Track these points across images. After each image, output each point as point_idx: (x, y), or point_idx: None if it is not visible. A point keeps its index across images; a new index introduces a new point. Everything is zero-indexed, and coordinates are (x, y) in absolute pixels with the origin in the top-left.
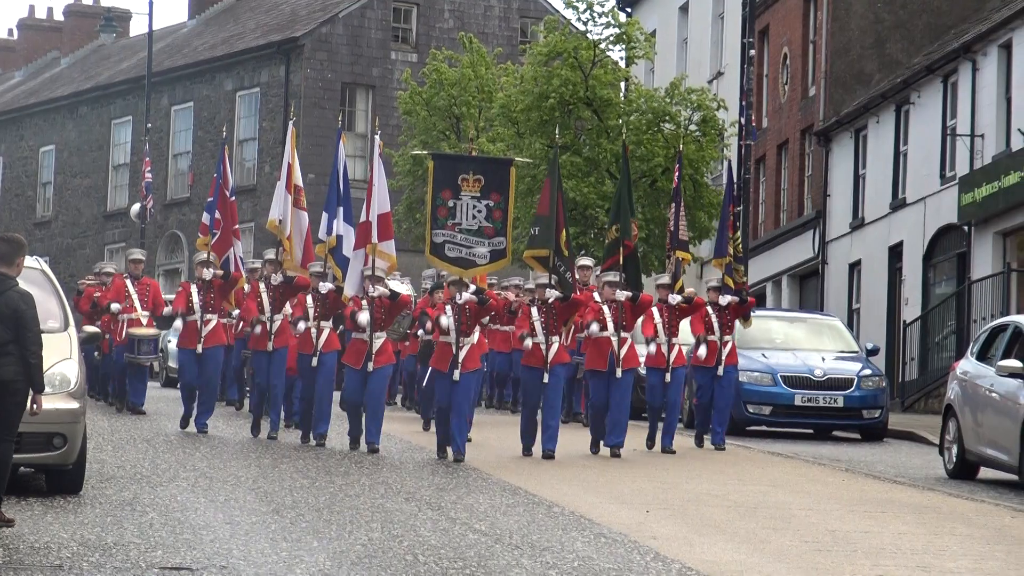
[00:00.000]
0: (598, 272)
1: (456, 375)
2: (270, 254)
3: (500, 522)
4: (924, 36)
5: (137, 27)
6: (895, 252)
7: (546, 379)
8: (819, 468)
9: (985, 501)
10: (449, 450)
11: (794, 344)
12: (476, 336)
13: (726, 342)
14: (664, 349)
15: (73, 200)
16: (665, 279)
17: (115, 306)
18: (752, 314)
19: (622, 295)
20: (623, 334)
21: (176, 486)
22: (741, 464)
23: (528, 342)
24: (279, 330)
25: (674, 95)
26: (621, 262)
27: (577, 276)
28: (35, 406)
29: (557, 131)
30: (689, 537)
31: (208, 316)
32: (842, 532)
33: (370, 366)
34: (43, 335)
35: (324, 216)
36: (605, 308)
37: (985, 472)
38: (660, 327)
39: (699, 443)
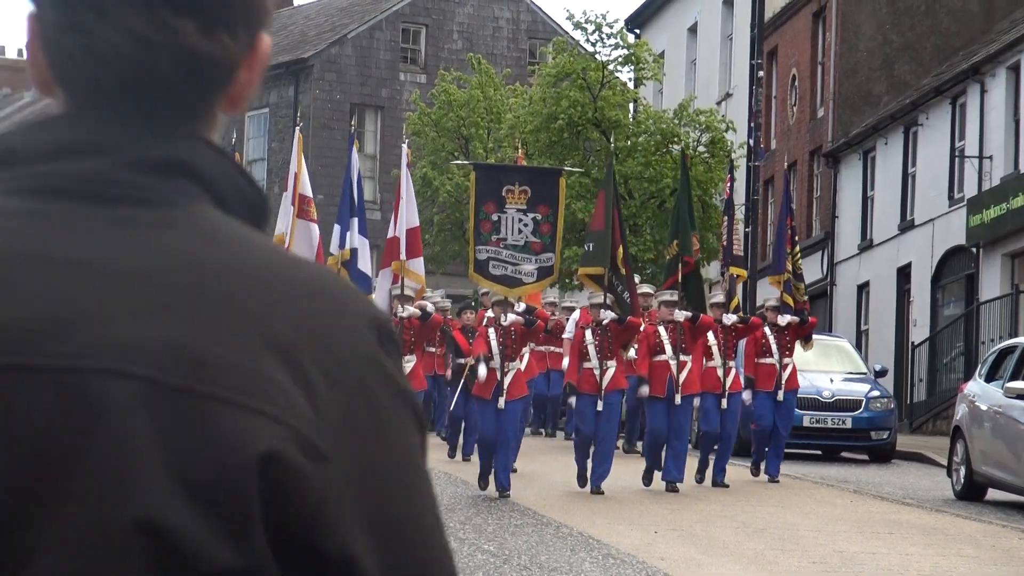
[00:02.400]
0: (652, 291)
1: (501, 403)
2: None
3: (509, 542)
4: (932, 58)
5: None
6: (903, 273)
7: (600, 407)
8: (827, 489)
9: (993, 522)
10: (491, 482)
11: (802, 365)
12: (524, 361)
13: (786, 365)
14: (720, 373)
15: None
16: (719, 298)
17: None
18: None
19: (681, 315)
20: (682, 357)
21: None
22: (749, 485)
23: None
24: None
25: (683, 116)
26: (680, 280)
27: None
28: None
29: (612, 142)
30: (697, 558)
31: None
32: (850, 553)
33: None
34: None
35: (336, 228)
36: (662, 329)
37: (993, 493)
38: (715, 349)
39: (755, 472)
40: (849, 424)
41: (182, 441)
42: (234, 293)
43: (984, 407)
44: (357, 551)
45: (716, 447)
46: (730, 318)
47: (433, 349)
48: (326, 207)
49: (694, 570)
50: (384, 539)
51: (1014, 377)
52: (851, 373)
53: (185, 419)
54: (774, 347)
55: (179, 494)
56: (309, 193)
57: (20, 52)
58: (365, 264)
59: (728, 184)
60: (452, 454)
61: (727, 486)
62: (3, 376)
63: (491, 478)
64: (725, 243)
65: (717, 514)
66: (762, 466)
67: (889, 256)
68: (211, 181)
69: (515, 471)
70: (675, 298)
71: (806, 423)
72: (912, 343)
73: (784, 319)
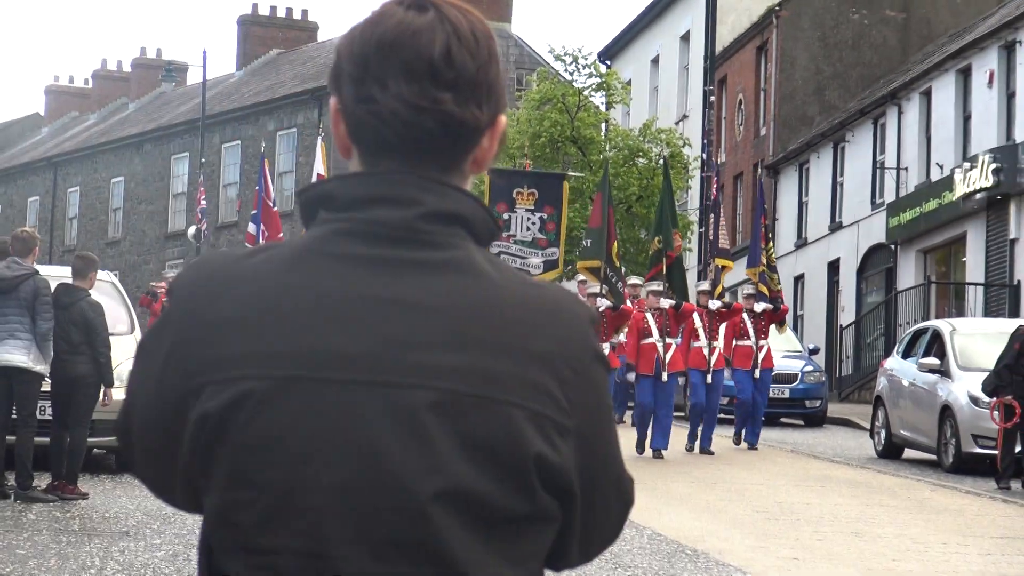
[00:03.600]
0: (640, 282)
1: None
2: None
3: None
4: (857, 84)
5: (193, 77)
6: (833, 267)
7: None
8: (769, 449)
9: (908, 477)
10: None
11: None
12: None
13: (761, 346)
14: (705, 352)
15: (139, 223)
16: (705, 286)
17: None
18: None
19: (666, 303)
20: (667, 340)
21: None
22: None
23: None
24: None
25: (646, 134)
26: (664, 271)
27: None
28: (106, 398)
29: (608, 149)
30: (658, 507)
31: None
32: (788, 503)
33: None
34: (112, 337)
35: None
36: (648, 315)
37: (908, 453)
38: (701, 331)
39: (737, 441)
40: (787, 394)
41: (476, 433)
42: (506, 320)
43: (901, 380)
44: (575, 481)
45: (703, 417)
46: (715, 304)
47: None
48: None
49: (655, 517)
50: (589, 463)
51: (926, 354)
52: (789, 351)
53: (477, 417)
54: (751, 330)
55: (477, 468)
56: None
57: (86, 81)
58: None
59: (714, 188)
60: None
61: (712, 453)
62: (351, 388)
63: None
64: (712, 237)
65: (675, 471)
66: (742, 435)
67: (821, 252)
68: (473, 224)
69: None
70: (661, 288)
71: None
72: (840, 326)
73: (759, 306)
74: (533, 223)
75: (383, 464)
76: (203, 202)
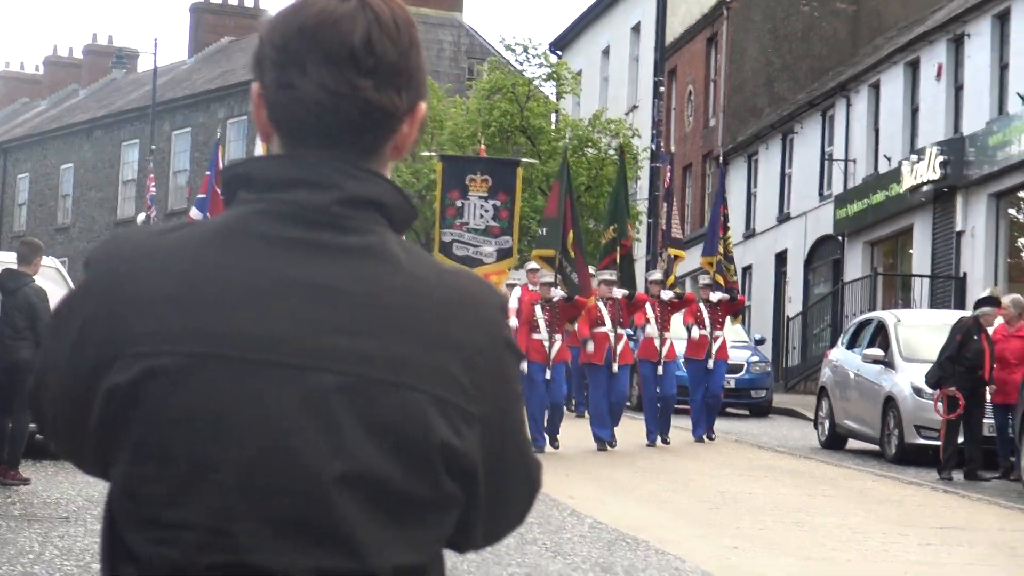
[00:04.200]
0: (593, 272)
1: None
2: None
3: None
4: (807, 76)
5: (144, 64)
6: (781, 258)
7: (548, 375)
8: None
9: (851, 467)
10: None
11: None
12: None
13: (716, 337)
14: (656, 343)
15: (88, 210)
16: (657, 275)
17: None
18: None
19: (619, 293)
20: (619, 330)
21: None
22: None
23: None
24: None
25: (596, 125)
26: (618, 261)
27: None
28: None
29: (567, 138)
30: (602, 497)
31: None
32: (731, 493)
33: None
34: None
35: None
36: (602, 305)
37: (852, 443)
38: (652, 321)
39: (696, 435)
40: (733, 384)
41: (382, 418)
42: (418, 307)
43: (846, 370)
44: (480, 466)
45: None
46: (667, 294)
47: None
48: None
49: (599, 507)
50: (494, 449)
51: (870, 345)
52: (736, 341)
53: (384, 402)
54: (707, 320)
55: (381, 453)
56: None
57: (37, 67)
58: None
59: (667, 176)
60: None
61: (668, 442)
62: (263, 369)
63: None
64: (665, 227)
65: (620, 460)
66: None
67: (769, 243)
68: (390, 210)
69: None
70: (614, 278)
71: None
72: (787, 316)
73: (716, 296)
74: (486, 211)
75: (289, 445)
76: (153, 189)
